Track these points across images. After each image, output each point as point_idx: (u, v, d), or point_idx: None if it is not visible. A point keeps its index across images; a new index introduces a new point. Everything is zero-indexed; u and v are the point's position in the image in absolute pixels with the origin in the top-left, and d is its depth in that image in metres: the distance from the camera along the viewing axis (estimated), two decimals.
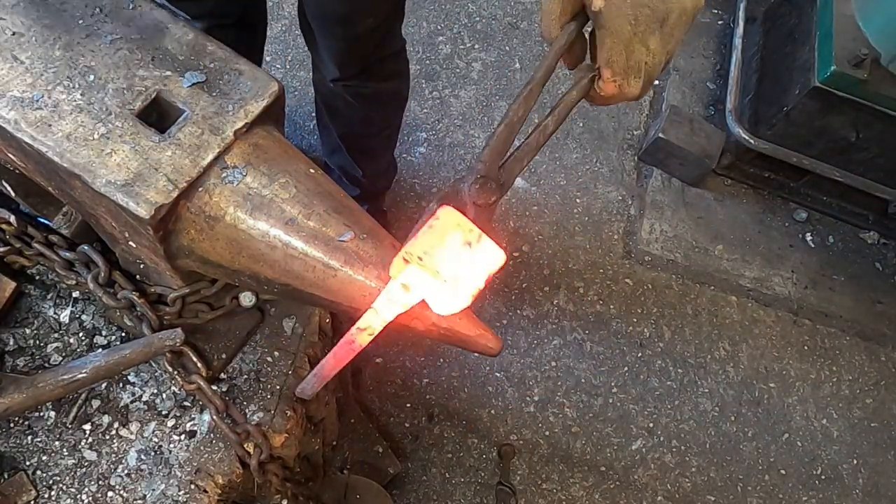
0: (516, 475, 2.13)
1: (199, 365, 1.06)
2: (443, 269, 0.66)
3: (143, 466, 1.07)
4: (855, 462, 2.35)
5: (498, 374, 2.25)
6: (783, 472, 2.30)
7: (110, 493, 1.05)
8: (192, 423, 1.11)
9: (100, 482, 1.06)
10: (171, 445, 1.09)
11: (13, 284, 1.11)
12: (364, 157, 2.01)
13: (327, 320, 1.31)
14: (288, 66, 2.59)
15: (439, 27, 2.76)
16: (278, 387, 1.14)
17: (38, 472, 1.06)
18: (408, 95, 1.91)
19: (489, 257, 0.67)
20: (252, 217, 0.84)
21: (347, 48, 1.56)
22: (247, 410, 1.11)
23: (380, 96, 1.77)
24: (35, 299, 1.15)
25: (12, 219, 1.04)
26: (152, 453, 1.08)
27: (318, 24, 1.54)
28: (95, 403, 1.11)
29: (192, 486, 1.06)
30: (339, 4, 1.44)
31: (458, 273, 0.66)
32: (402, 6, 1.57)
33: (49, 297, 1.15)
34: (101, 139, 0.82)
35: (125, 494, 1.05)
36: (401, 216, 2.38)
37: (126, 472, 1.07)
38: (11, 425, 1.08)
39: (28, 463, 1.06)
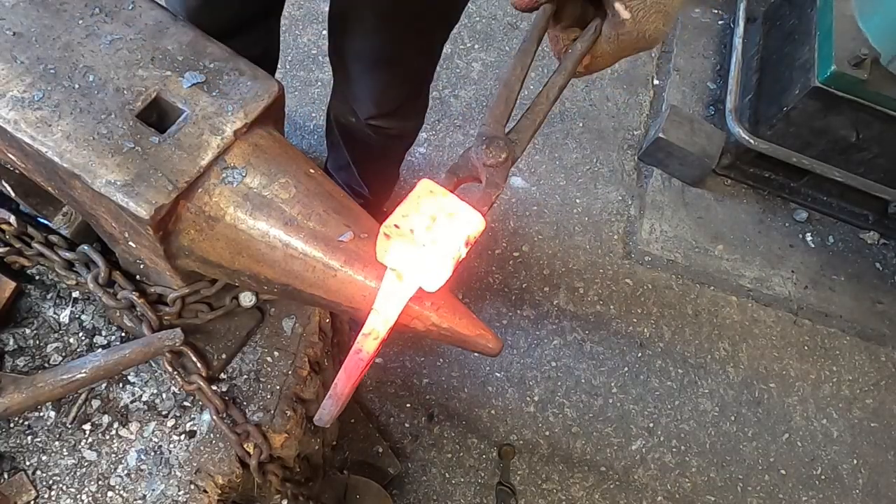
0: (516, 475, 2.13)
1: (199, 365, 1.06)
2: (419, 234, 0.65)
3: (143, 466, 1.07)
4: (855, 462, 2.35)
5: (498, 374, 2.25)
6: (783, 472, 2.30)
7: (110, 493, 1.05)
8: (192, 423, 1.11)
9: (100, 482, 1.06)
10: (171, 445, 1.09)
11: (13, 284, 1.11)
12: (372, 177, 2.02)
13: (327, 320, 1.31)
14: (288, 67, 2.59)
15: None
16: (278, 387, 1.14)
17: (38, 472, 1.06)
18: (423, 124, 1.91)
19: (467, 221, 0.66)
20: (252, 217, 0.85)
21: (388, 88, 1.52)
22: (247, 410, 1.11)
23: (404, 132, 1.77)
24: (35, 299, 1.15)
25: (12, 219, 1.04)
26: (152, 453, 1.08)
27: (361, 66, 1.49)
28: (95, 403, 1.11)
29: (192, 486, 1.06)
30: (390, 47, 1.39)
31: (436, 237, 0.65)
32: (444, 45, 1.52)
33: (49, 297, 1.15)
34: (101, 139, 0.82)
35: (125, 494, 1.05)
36: None
37: (126, 472, 1.07)
38: (11, 425, 1.08)
39: (28, 463, 1.06)
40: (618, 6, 0.72)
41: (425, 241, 0.65)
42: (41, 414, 1.09)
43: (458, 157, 0.76)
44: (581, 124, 2.71)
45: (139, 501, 1.05)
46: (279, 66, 2.57)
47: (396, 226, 0.65)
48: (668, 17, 0.73)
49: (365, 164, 1.95)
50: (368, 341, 0.79)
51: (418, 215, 0.66)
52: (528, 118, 0.78)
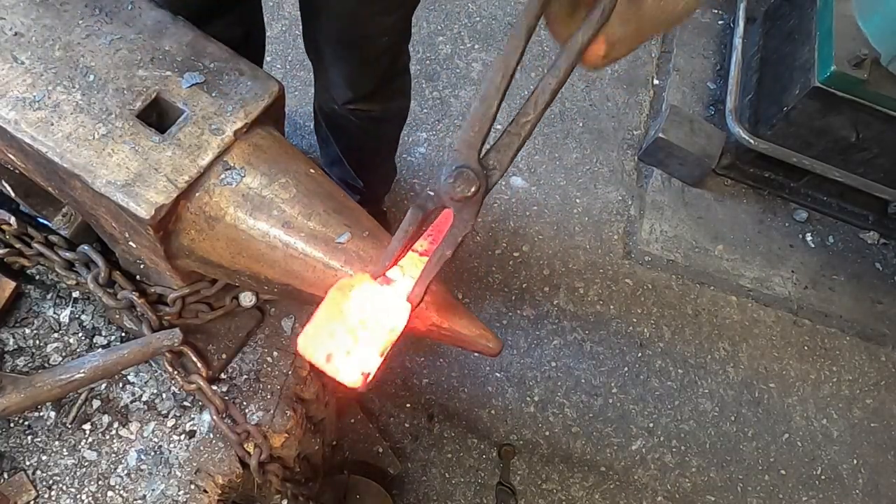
0: (516, 475, 2.13)
1: (199, 365, 1.06)
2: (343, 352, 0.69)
3: (143, 466, 1.07)
4: (855, 462, 2.35)
5: (498, 374, 2.25)
6: (783, 472, 2.30)
7: (110, 493, 1.05)
8: (192, 423, 1.11)
9: (100, 482, 1.06)
10: (171, 445, 1.09)
11: (13, 284, 1.11)
12: (366, 169, 2.01)
13: None
14: (288, 67, 2.59)
15: (439, 27, 2.76)
16: (278, 387, 1.14)
17: (38, 472, 1.06)
18: (409, 108, 1.92)
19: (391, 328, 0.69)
20: (252, 217, 0.85)
21: (361, 69, 1.55)
22: (247, 410, 1.11)
23: (386, 115, 1.77)
24: (35, 299, 1.15)
25: (12, 219, 1.04)
26: (152, 453, 1.08)
27: (332, 49, 1.52)
28: (95, 403, 1.11)
29: (192, 486, 1.06)
30: (354, 27, 1.42)
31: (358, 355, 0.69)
32: (410, 24, 1.56)
33: (49, 297, 1.15)
34: (101, 139, 0.82)
35: (125, 494, 1.05)
36: (401, 216, 2.35)
37: (126, 472, 1.07)
38: (11, 425, 1.08)
39: (28, 463, 1.06)
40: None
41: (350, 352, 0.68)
42: (41, 414, 1.09)
43: (425, 187, 0.68)
44: (581, 124, 2.71)
45: (139, 501, 1.05)
46: (279, 66, 2.57)
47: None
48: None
49: (355, 155, 1.94)
50: None
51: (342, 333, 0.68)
52: (510, 134, 0.67)
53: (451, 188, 0.66)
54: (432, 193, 0.67)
